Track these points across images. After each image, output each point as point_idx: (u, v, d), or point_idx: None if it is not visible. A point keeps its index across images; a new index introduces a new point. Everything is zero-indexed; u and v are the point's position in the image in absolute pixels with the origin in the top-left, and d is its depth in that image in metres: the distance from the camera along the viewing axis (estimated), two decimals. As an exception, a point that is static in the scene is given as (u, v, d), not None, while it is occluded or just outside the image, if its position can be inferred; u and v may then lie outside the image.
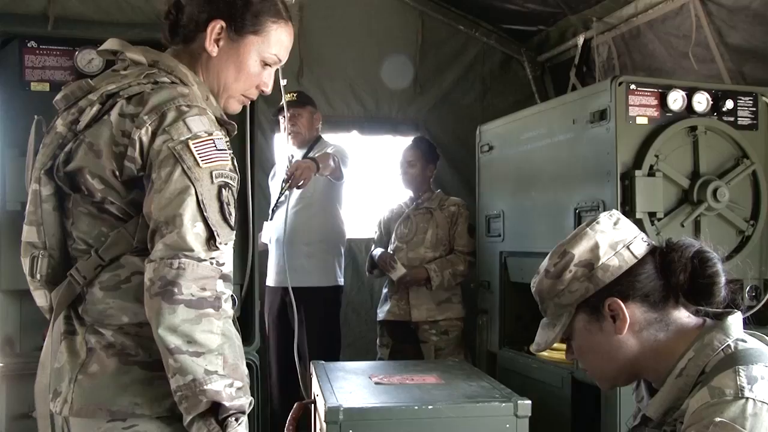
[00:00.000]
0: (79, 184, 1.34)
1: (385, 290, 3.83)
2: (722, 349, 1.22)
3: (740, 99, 2.85)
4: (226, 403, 1.25)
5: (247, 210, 2.38)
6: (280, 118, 3.61)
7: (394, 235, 3.82)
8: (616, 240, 1.31)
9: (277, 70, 2.56)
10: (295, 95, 3.66)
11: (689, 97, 2.74)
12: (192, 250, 1.25)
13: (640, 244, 1.31)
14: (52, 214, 1.37)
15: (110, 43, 1.46)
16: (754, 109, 2.87)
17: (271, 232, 3.66)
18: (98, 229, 1.35)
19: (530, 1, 4.17)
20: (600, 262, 1.29)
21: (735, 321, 1.27)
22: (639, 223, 2.62)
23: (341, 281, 3.78)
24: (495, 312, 3.50)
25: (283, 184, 3.64)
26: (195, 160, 1.28)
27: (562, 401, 2.86)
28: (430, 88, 4.64)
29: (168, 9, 1.47)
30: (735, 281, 1.35)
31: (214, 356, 1.25)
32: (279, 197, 3.59)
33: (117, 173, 1.31)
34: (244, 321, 2.40)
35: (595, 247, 1.30)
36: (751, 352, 1.19)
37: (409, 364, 3.00)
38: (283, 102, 3.11)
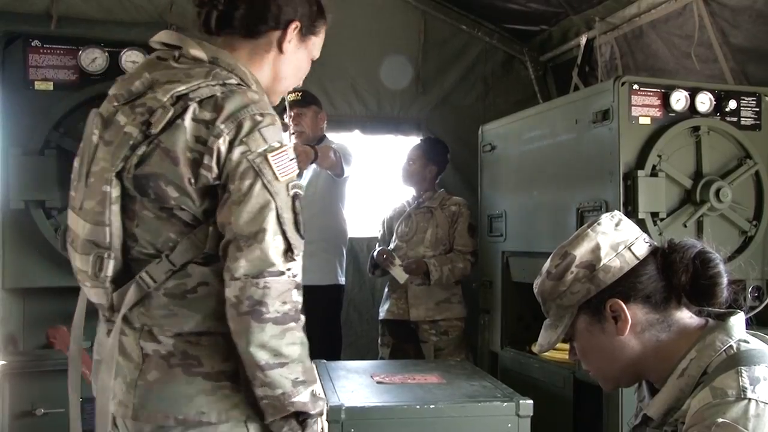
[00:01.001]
0: (147, 187, 1.32)
1: (386, 289, 3.83)
2: (724, 350, 1.22)
3: (743, 99, 2.85)
4: (311, 412, 1.34)
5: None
6: (285, 117, 3.61)
7: (394, 234, 3.82)
8: (617, 241, 1.31)
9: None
10: (299, 95, 3.66)
11: (692, 98, 2.74)
12: (274, 265, 1.29)
13: (641, 245, 1.31)
14: (118, 215, 1.35)
15: (166, 36, 1.43)
16: (758, 109, 2.87)
17: None
18: (165, 235, 1.35)
19: (533, 0, 4.17)
20: (601, 264, 1.29)
21: (737, 322, 1.27)
22: (641, 224, 2.62)
23: (342, 280, 3.78)
24: (497, 312, 3.50)
25: None
26: (273, 173, 1.30)
27: (563, 401, 2.86)
28: (432, 87, 4.64)
29: (212, 1, 1.42)
30: (737, 282, 1.36)
31: (296, 364, 1.32)
32: None
33: (192, 181, 1.31)
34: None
35: (597, 249, 1.30)
36: (754, 353, 1.19)
37: (411, 364, 3.01)
38: (287, 101, 3.12)
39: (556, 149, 3.04)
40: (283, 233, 1.30)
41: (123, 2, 4.00)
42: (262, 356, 1.28)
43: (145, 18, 4.04)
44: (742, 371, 1.15)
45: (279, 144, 1.32)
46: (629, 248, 1.30)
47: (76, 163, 1.41)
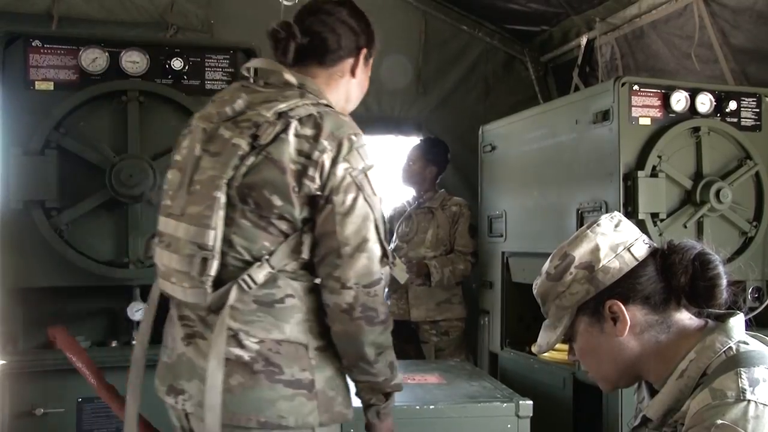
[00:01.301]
0: (249, 196, 1.44)
1: (386, 290, 3.82)
2: (724, 351, 1.22)
3: (744, 100, 2.85)
4: (401, 390, 1.62)
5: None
6: None
7: (395, 234, 3.82)
8: (616, 242, 1.31)
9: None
10: None
11: (692, 98, 2.74)
12: (376, 274, 1.48)
13: (641, 246, 1.31)
14: (222, 220, 1.44)
15: (263, 63, 1.58)
16: (758, 110, 2.87)
17: None
18: (261, 243, 1.46)
19: (533, 1, 4.16)
20: (600, 264, 1.29)
21: (737, 323, 1.26)
22: (641, 224, 2.62)
23: None
24: (497, 312, 3.50)
25: None
26: (372, 189, 1.48)
27: (563, 402, 2.86)
28: (432, 88, 4.64)
29: (291, 32, 1.57)
30: (737, 283, 1.36)
31: (390, 349, 1.56)
32: None
33: (296, 189, 1.44)
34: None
35: (596, 249, 1.30)
36: (753, 354, 1.19)
37: (411, 364, 3.01)
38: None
39: (557, 150, 3.04)
40: (380, 242, 1.49)
41: (124, 2, 3.99)
42: (371, 353, 1.50)
43: (146, 18, 4.04)
44: (742, 373, 1.15)
45: (372, 163, 1.50)
46: (628, 249, 1.30)
47: (171, 175, 1.55)
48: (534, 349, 1.46)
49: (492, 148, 3.63)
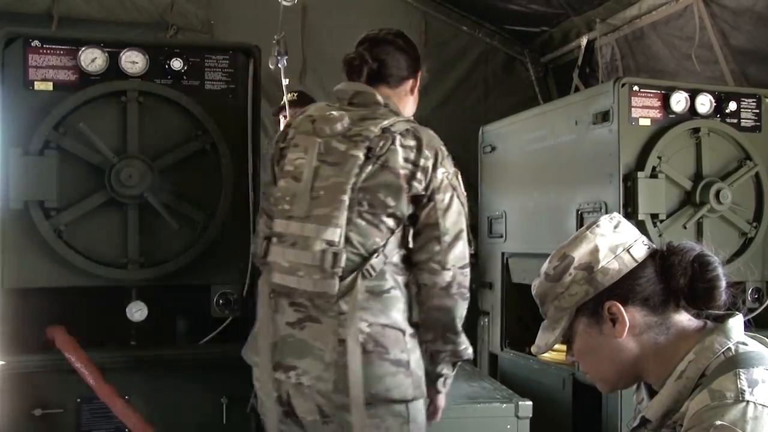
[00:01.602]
0: (364, 199, 1.73)
1: None
2: (723, 352, 1.21)
3: (743, 101, 2.85)
4: (471, 357, 1.90)
5: (249, 209, 2.38)
6: (281, 117, 3.61)
7: None
8: (616, 243, 1.30)
9: (279, 69, 2.59)
10: (295, 95, 3.65)
11: (692, 99, 2.74)
12: (468, 257, 1.80)
13: (640, 248, 1.31)
14: (345, 220, 1.70)
15: (358, 86, 1.88)
16: (758, 110, 2.87)
17: None
18: (373, 238, 1.74)
19: (533, 2, 4.17)
20: (600, 266, 1.29)
21: (736, 324, 1.26)
22: (641, 225, 2.62)
23: None
24: (496, 313, 3.50)
25: None
26: (461, 189, 1.84)
27: (563, 402, 2.86)
28: (432, 88, 4.63)
29: (364, 59, 1.87)
30: (737, 284, 1.35)
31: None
32: None
33: (407, 190, 1.75)
34: (244, 321, 2.40)
35: (595, 251, 1.30)
36: (752, 355, 1.19)
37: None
38: (285, 101, 3.12)
39: (556, 150, 3.04)
40: (468, 232, 1.80)
41: (124, 3, 4.00)
42: (459, 324, 1.76)
43: (146, 18, 4.05)
44: (741, 374, 1.15)
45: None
46: (628, 250, 1.30)
47: (284, 183, 1.79)
48: (533, 350, 1.45)
49: (492, 148, 3.63)
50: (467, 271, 1.79)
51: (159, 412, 2.28)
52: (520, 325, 3.43)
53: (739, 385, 1.13)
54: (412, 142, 1.77)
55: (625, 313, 1.26)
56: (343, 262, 1.69)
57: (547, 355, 2.96)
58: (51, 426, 2.23)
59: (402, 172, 1.73)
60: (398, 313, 1.75)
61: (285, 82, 2.81)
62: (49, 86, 2.23)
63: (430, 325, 1.79)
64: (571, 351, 1.39)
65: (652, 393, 1.33)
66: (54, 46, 2.24)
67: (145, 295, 2.32)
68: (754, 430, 1.09)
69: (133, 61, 2.27)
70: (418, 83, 2.01)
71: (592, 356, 1.35)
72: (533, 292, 1.40)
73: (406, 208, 1.75)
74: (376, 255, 1.73)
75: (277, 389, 1.79)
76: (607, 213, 2.63)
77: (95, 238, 2.24)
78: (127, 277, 2.27)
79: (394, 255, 1.76)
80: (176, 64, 2.28)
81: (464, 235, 1.79)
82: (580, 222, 2.83)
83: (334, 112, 1.80)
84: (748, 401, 1.11)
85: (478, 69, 4.75)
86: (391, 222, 1.75)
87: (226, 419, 2.36)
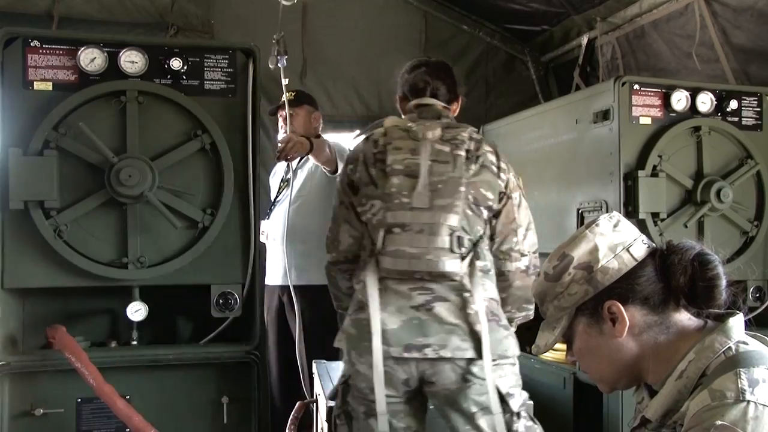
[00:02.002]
0: (468, 192, 2.00)
1: None
2: (723, 352, 1.21)
3: (744, 99, 2.84)
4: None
5: (249, 208, 2.38)
6: (279, 116, 3.61)
7: None
8: (615, 242, 1.29)
9: (279, 69, 2.60)
10: (293, 94, 3.64)
11: (693, 98, 2.73)
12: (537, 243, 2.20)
13: (640, 247, 1.30)
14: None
15: (427, 101, 2.19)
16: (759, 109, 2.86)
17: (269, 231, 3.64)
18: (476, 227, 2.03)
19: (534, 0, 4.16)
20: (599, 265, 1.28)
21: (736, 323, 1.26)
22: (642, 224, 2.62)
23: None
24: (498, 312, 3.49)
25: (282, 183, 3.63)
26: (523, 190, 2.18)
27: (564, 402, 2.85)
28: (433, 87, 4.63)
29: (428, 82, 2.21)
30: (738, 283, 1.34)
31: None
32: (277, 195, 3.58)
33: (500, 187, 2.07)
34: (245, 320, 2.40)
35: (594, 250, 1.29)
36: (753, 355, 1.18)
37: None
38: (284, 100, 3.11)
39: (557, 149, 3.04)
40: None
41: (124, 3, 3.99)
42: (532, 297, 1.77)
43: (147, 18, 4.04)
44: (741, 373, 1.14)
45: None
46: (627, 250, 1.29)
47: (397, 180, 2.00)
48: (533, 349, 1.45)
49: (492, 147, 3.62)
50: (538, 254, 2.15)
51: (159, 411, 2.28)
52: (521, 325, 3.41)
53: (739, 385, 1.12)
54: (490, 148, 2.09)
55: (624, 313, 1.26)
56: (466, 244, 1.97)
57: (548, 355, 2.96)
58: (51, 425, 2.23)
59: (493, 171, 2.06)
60: (494, 289, 2.07)
61: (285, 81, 2.81)
62: (49, 86, 2.24)
63: (512, 301, 2.16)
64: (571, 351, 1.38)
65: (652, 393, 1.32)
66: (53, 46, 2.24)
67: (146, 295, 2.33)
68: (755, 430, 1.08)
69: (132, 60, 2.27)
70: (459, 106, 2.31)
71: (591, 356, 1.34)
72: (532, 292, 1.39)
73: (497, 204, 2.06)
74: (481, 240, 2.04)
75: (407, 371, 1.97)
76: (607, 212, 2.64)
77: (95, 237, 2.24)
78: (127, 277, 2.27)
79: (487, 241, 2.08)
80: (176, 63, 2.28)
81: (533, 225, 2.16)
82: (581, 221, 2.82)
83: (426, 122, 2.10)
84: (748, 401, 1.10)
85: (479, 68, 4.74)
86: (486, 213, 2.05)
87: (227, 419, 2.36)
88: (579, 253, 1.30)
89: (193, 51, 2.35)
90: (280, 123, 3.56)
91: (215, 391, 2.37)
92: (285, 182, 3.56)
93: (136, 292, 2.31)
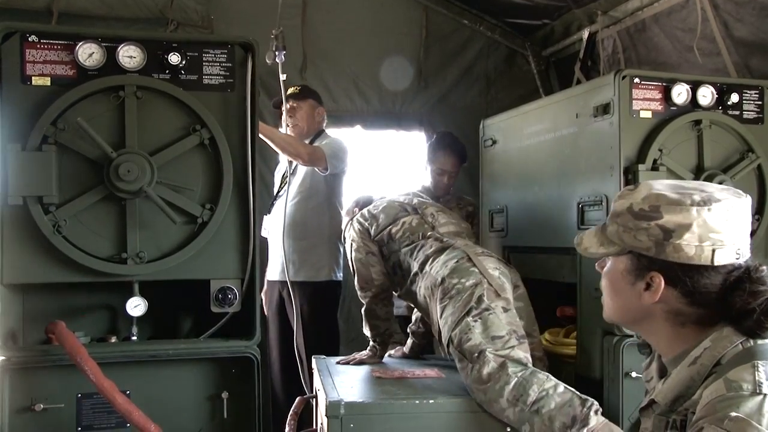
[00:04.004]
0: None
1: None
2: (741, 342, 1.18)
3: (746, 93, 2.82)
4: None
5: (248, 203, 2.37)
6: (282, 110, 3.61)
7: None
8: (709, 235, 1.22)
9: (277, 64, 2.60)
10: (297, 88, 3.65)
11: (694, 91, 2.71)
12: None
13: (728, 254, 1.22)
14: None
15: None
16: (760, 102, 2.85)
17: (269, 226, 3.64)
18: None
19: (534, -6, 4.15)
20: (677, 241, 1.21)
21: None
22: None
23: (338, 276, 3.69)
24: (498, 307, 3.48)
25: (283, 179, 3.64)
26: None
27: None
28: (434, 82, 4.62)
29: None
30: None
31: None
32: (279, 190, 3.59)
33: None
34: (245, 315, 2.40)
35: (685, 228, 1.21)
36: None
37: (410, 360, 3.00)
38: (283, 96, 3.11)
39: (557, 144, 3.02)
40: None
41: (124, -2, 3.99)
42: None
43: (146, 14, 4.04)
44: (759, 365, 1.12)
45: None
46: (714, 249, 1.21)
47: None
48: (575, 240, 1.40)
49: (493, 142, 3.61)
50: None
51: (159, 406, 2.28)
52: (522, 319, 3.41)
53: (756, 377, 1.10)
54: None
55: (661, 291, 1.23)
56: None
57: (551, 348, 2.96)
58: (52, 421, 2.24)
59: None
60: None
61: (283, 77, 2.80)
62: (47, 81, 2.23)
63: None
64: (603, 263, 1.38)
65: (661, 372, 1.31)
66: (51, 41, 2.23)
67: (145, 290, 2.33)
68: None
69: (130, 55, 2.26)
70: None
71: (612, 291, 1.34)
72: (614, 203, 1.33)
73: None
74: None
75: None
76: (608, 207, 2.63)
77: (94, 233, 2.24)
78: (127, 273, 2.27)
79: None
80: (174, 58, 2.28)
81: None
82: (581, 215, 2.81)
83: None
84: (765, 394, 1.08)
85: (480, 63, 4.73)
86: None
87: (227, 414, 2.36)
88: (671, 218, 1.23)
89: (192, 46, 2.35)
90: (284, 116, 3.57)
91: (215, 387, 2.37)
92: (285, 178, 3.57)
93: (136, 287, 2.31)
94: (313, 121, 3.68)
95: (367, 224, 2.85)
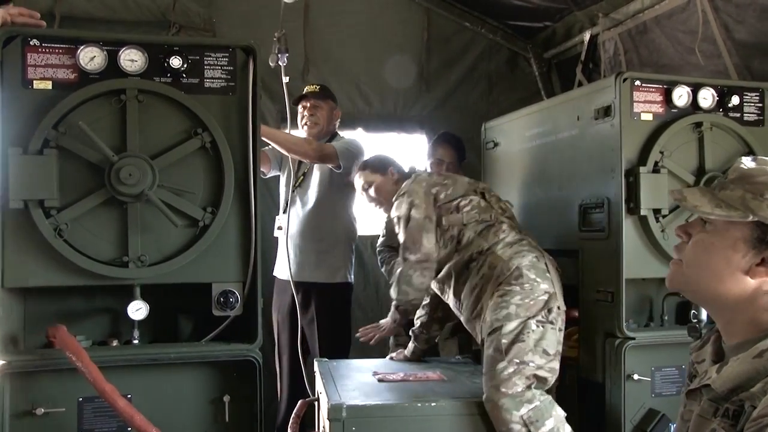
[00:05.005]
0: None
1: None
2: None
3: (746, 95, 2.82)
4: None
5: (250, 206, 2.37)
6: (301, 106, 3.64)
7: None
8: None
9: (280, 67, 2.60)
10: (317, 87, 3.66)
11: (694, 93, 2.72)
12: None
13: None
14: None
15: None
16: (761, 104, 2.85)
17: (284, 225, 3.61)
18: None
19: (536, -3, 4.15)
20: None
21: None
22: (644, 220, 2.61)
23: (352, 279, 3.71)
24: (500, 310, 3.48)
25: (295, 180, 3.64)
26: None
27: (567, 399, 2.84)
28: (435, 85, 4.62)
29: None
30: None
31: None
32: (293, 191, 3.59)
33: None
34: (246, 319, 2.40)
35: None
36: None
37: (413, 362, 3.00)
38: (285, 98, 3.12)
39: (558, 146, 3.03)
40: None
41: (126, 1, 4.00)
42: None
43: (148, 17, 4.04)
44: None
45: None
46: None
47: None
48: (674, 193, 1.32)
49: (494, 144, 3.61)
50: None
51: (161, 410, 2.28)
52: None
53: None
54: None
55: None
56: None
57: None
58: (53, 425, 2.23)
59: None
60: None
61: (285, 79, 2.81)
62: (48, 85, 2.23)
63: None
64: (692, 228, 1.28)
65: (717, 356, 1.26)
66: (53, 45, 2.23)
67: (146, 294, 2.33)
68: None
69: (132, 59, 2.26)
70: None
71: (708, 257, 1.23)
72: (745, 162, 1.25)
73: None
74: None
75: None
76: (609, 209, 2.63)
77: (96, 236, 2.24)
78: (128, 276, 2.27)
79: None
80: (175, 62, 2.28)
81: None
82: (583, 217, 2.81)
83: None
84: None
85: (481, 65, 4.72)
86: None
87: (229, 417, 2.36)
88: None
89: (193, 49, 2.35)
90: (303, 113, 3.59)
91: (217, 390, 2.37)
92: (297, 179, 3.58)
93: (137, 290, 2.31)
94: (331, 121, 3.69)
95: (437, 189, 2.71)
